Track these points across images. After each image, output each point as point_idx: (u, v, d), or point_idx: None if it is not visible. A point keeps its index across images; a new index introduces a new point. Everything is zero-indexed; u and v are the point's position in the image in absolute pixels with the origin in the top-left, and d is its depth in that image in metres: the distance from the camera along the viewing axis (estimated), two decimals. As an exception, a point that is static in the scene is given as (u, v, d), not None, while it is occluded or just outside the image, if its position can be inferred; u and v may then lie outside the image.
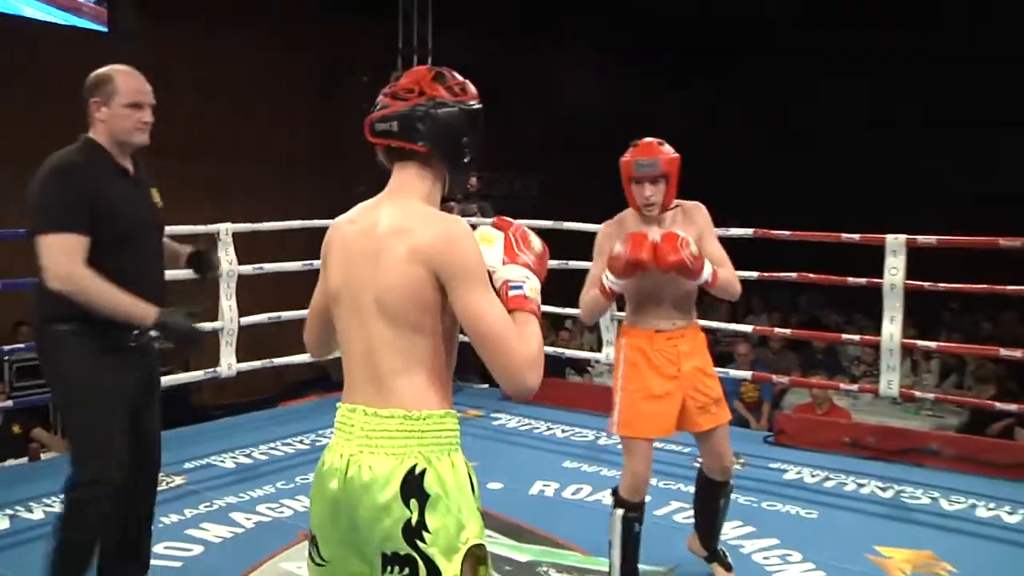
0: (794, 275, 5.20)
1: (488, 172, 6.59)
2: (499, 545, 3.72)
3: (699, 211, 3.21)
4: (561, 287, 7.16)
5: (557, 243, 6.04)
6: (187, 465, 4.65)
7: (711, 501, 3.39)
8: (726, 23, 12.69)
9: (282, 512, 4.07)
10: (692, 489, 4.36)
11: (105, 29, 8.61)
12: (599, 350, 6.70)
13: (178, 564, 3.54)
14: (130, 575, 3.07)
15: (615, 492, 3.21)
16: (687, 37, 13.13)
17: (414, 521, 1.69)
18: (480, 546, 1.74)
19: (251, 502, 4.17)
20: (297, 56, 10.87)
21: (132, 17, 9.10)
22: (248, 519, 3.98)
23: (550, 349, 7.18)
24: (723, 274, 3.08)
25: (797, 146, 14.37)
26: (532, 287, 1.85)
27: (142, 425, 2.99)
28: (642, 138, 3.17)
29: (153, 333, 2.88)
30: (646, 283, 3.11)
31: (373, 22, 10.44)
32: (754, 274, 5.26)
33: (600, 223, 5.58)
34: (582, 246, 5.80)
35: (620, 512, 3.17)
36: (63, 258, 2.75)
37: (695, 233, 3.11)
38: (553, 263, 5.94)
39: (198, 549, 3.68)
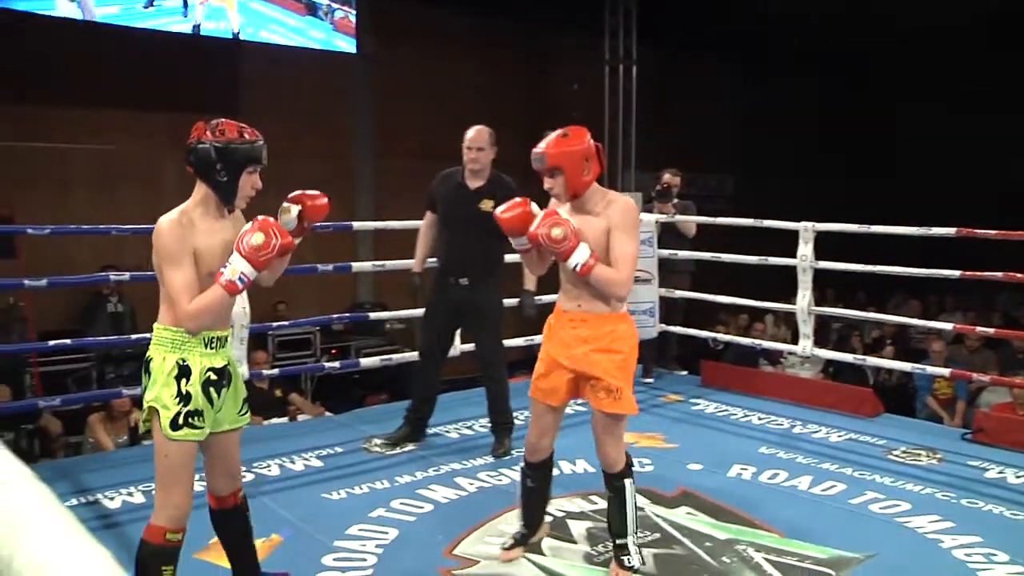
0: (1000, 275, 4.79)
1: (684, 173, 6.53)
2: (699, 522, 3.66)
3: (619, 207, 2.95)
4: (759, 282, 6.97)
5: (755, 240, 5.91)
6: (417, 433, 4.84)
7: (606, 491, 3.19)
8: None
9: (500, 480, 4.15)
10: (887, 480, 4.17)
11: (354, 51, 9.05)
12: (793, 342, 6.46)
13: (412, 518, 3.69)
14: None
15: None
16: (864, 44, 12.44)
17: (144, 386, 2.54)
18: (153, 407, 2.51)
19: (473, 469, 4.29)
20: (512, 69, 11.07)
21: (372, 41, 9.56)
22: (471, 484, 4.10)
23: (746, 340, 6.97)
24: (601, 270, 2.86)
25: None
26: (232, 269, 2.46)
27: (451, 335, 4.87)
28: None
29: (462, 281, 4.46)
30: (559, 264, 3.00)
31: (582, 37, 10.47)
32: (956, 272, 4.90)
33: (799, 220, 5.44)
34: (783, 243, 5.63)
35: (520, 466, 3.29)
36: (422, 222, 4.62)
37: (605, 225, 2.92)
38: (752, 259, 5.81)
39: (428, 507, 3.82)
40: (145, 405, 2.55)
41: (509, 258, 4.64)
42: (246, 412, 2.75)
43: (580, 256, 2.83)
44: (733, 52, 12.50)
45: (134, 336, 5.16)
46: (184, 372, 2.51)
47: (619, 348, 3.00)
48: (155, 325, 2.56)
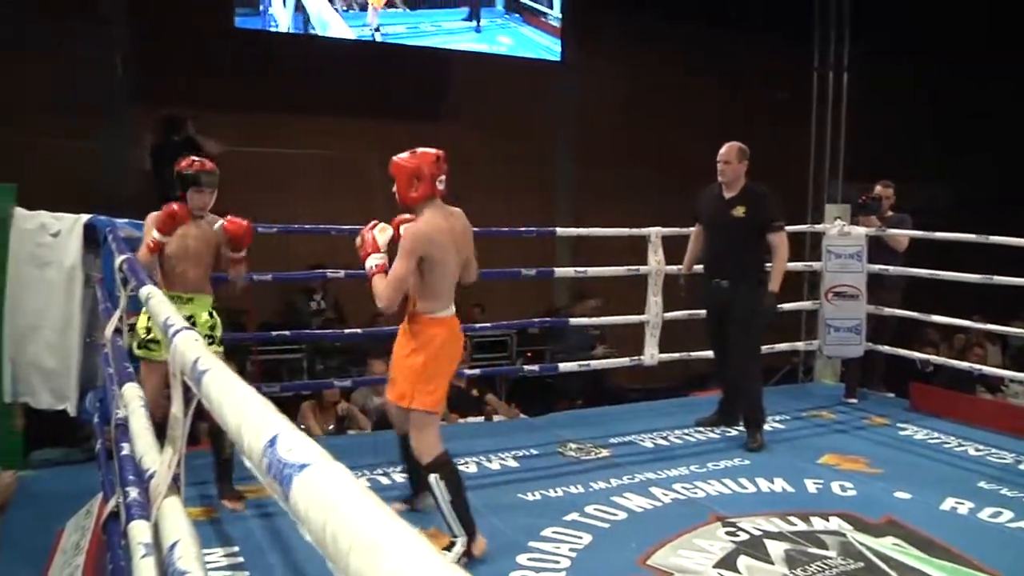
0: None
1: (896, 185, 6.20)
2: (908, 555, 3.44)
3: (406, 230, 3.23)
4: (966, 301, 6.47)
5: (981, 257, 5.51)
6: (612, 440, 4.85)
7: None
8: None
9: (696, 492, 4.09)
10: None
11: (558, 59, 9.19)
12: (1014, 368, 5.98)
13: (606, 525, 3.69)
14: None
15: None
16: None
17: None
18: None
19: (667, 480, 4.24)
20: (713, 76, 10.86)
21: (574, 48, 9.67)
22: (665, 495, 4.05)
23: (963, 364, 6.44)
24: (374, 280, 3.17)
25: None
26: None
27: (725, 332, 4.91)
28: None
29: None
30: None
31: (786, 43, 10.13)
32: None
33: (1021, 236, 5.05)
34: (1006, 261, 5.22)
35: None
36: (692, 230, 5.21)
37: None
38: (974, 277, 5.42)
39: (622, 515, 3.81)
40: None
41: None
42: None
43: (368, 263, 3.22)
44: (955, 59, 11.69)
45: (346, 331, 5.47)
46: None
47: (411, 345, 3.30)
48: None
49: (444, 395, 3.41)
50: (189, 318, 3.65)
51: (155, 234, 3.68)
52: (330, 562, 0.64)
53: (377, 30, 8.49)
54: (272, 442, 0.78)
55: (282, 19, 8.06)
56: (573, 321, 5.93)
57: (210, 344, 3.57)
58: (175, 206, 3.72)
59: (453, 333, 3.34)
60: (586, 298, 7.34)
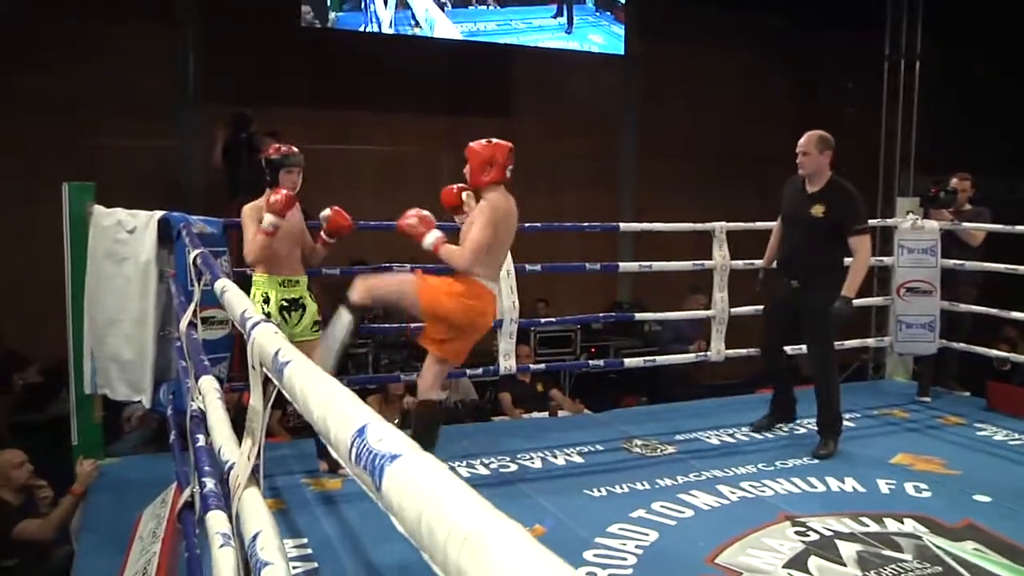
0: None
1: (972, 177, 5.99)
2: (990, 562, 3.32)
3: (480, 204, 3.63)
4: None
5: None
6: (677, 436, 4.80)
7: None
8: None
9: (763, 491, 4.01)
10: None
11: (622, 52, 9.13)
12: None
13: (673, 522, 3.65)
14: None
15: None
16: None
17: None
18: None
19: (735, 478, 4.17)
20: (780, 67, 10.68)
21: (637, 41, 9.58)
22: (733, 493, 3.98)
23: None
24: (443, 250, 3.57)
25: None
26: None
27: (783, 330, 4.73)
28: None
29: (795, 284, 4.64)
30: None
31: (855, 32, 9.89)
32: None
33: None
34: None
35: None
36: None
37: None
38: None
39: (689, 512, 3.76)
40: None
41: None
42: (318, 329, 3.93)
43: (429, 240, 3.59)
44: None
45: (412, 325, 5.48)
46: (266, 300, 3.82)
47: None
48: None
49: (459, 352, 3.76)
50: (299, 299, 3.93)
51: (272, 219, 3.72)
52: (426, 554, 0.63)
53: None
54: (360, 432, 0.77)
55: (385, 17, 8.19)
56: (639, 316, 5.86)
57: (315, 329, 3.96)
58: (283, 191, 3.78)
59: (489, 305, 3.69)
60: (698, 292, 7.02)
